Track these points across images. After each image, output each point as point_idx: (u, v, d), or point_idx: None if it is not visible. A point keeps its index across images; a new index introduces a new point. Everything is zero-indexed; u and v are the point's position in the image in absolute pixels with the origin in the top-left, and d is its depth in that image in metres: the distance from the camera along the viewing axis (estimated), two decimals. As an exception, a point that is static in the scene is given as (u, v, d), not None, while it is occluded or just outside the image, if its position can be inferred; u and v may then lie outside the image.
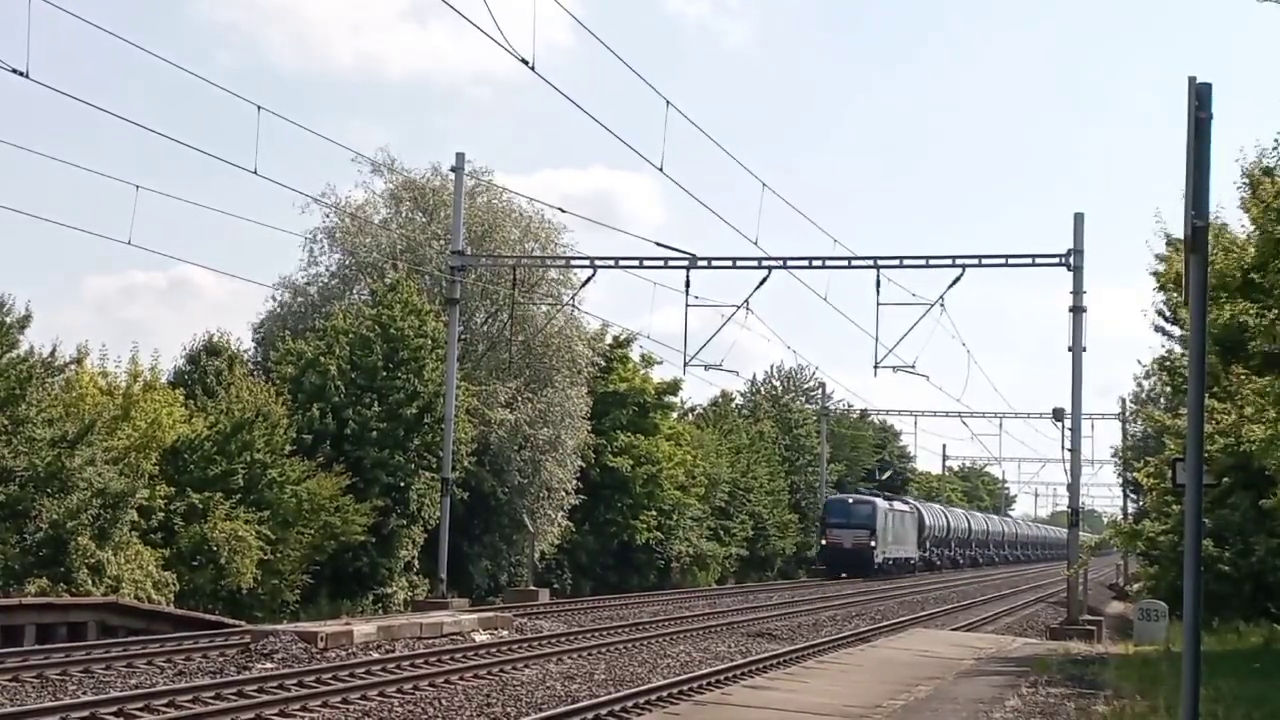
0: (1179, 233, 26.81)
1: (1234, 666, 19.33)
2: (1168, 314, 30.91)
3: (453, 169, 37.41)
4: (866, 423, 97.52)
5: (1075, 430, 34.00)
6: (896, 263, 33.17)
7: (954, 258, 32.96)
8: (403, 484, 35.88)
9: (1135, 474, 35.97)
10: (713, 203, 70.54)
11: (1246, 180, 20.69)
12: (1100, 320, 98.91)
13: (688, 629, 29.61)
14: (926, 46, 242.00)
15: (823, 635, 29.90)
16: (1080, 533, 34.94)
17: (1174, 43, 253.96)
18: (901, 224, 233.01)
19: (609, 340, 52.49)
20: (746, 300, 34.07)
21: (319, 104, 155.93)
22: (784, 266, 33.63)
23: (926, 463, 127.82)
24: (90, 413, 27.52)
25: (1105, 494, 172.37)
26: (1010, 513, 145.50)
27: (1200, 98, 9.36)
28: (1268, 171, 19.95)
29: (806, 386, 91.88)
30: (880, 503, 68.88)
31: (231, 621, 25.92)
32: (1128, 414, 58.62)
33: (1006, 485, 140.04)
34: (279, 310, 44.37)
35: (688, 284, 33.44)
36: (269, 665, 19.12)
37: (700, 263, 33.58)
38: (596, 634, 26.95)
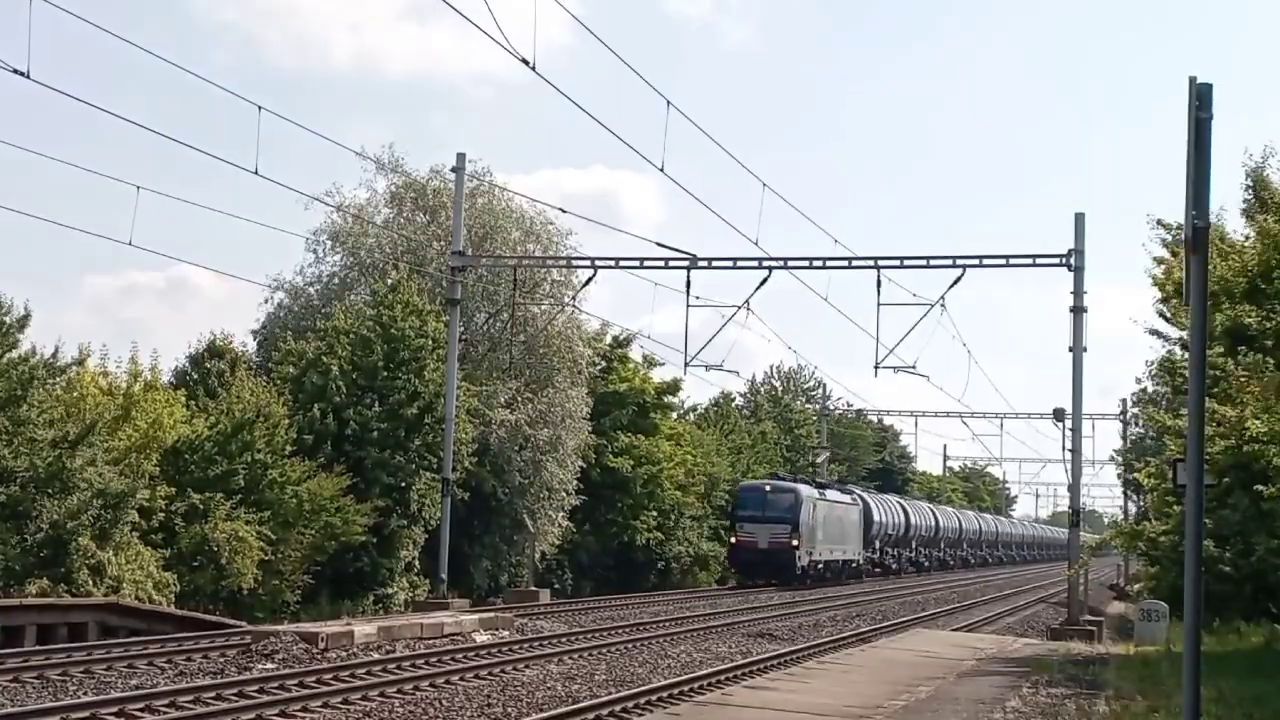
0: (1175, 236, 26.84)
1: (1235, 667, 19.33)
2: (1168, 315, 30.88)
3: (453, 169, 37.41)
4: (866, 423, 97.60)
5: (1076, 431, 33.99)
6: (897, 263, 33.16)
7: (955, 258, 32.96)
8: (403, 484, 35.88)
9: (1136, 475, 35.98)
10: (713, 203, 70.62)
11: (1251, 183, 20.70)
12: (1101, 321, 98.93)
13: (688, 629, 29.61)
14: (927, 46, 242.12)
15: (823, 635, 29.89)
16: (1081, 533, 34.95)
17: (1174, 43, 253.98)
18: (902, 224, 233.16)
19: (609, 340, 52.50)
20: (747, 300, 34.09)
21: (318, 103, 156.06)
22: (784, 267, 33.63)
23: (927, 463, 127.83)
24: (91, 413, 27.54)
25: (1106, 494, 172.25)
26: (1011, 513, 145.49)
27: (1201, 98, 9.35)
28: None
29: (806, 386, 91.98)
30: (806, 491, 55.26)
31: (232, 622, 25.92)
32: (1128, 415, 58.58)
33: (1007, 486, 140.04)
34: (279, 311, 44.38)
35: (688, 284, 33.47)
36: (270, 666, 19.12)
37: (701, 263, 33.58)
38: (597, 634, 26.95)
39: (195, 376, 35.21)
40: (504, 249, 43.15)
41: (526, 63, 21.01)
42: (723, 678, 20.36)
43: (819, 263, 33.73)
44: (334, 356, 36.58)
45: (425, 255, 43.77)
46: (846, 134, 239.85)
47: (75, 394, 28.75)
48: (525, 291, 41.75)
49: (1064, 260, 32.66)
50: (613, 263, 35.20)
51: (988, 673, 21.32)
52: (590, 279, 38.73)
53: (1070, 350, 32.91)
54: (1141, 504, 43.53)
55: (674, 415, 60.46)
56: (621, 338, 53.77)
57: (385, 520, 35.16)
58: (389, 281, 39.96)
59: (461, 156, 36.77)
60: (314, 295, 44.54)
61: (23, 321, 26.70)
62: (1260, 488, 22.01)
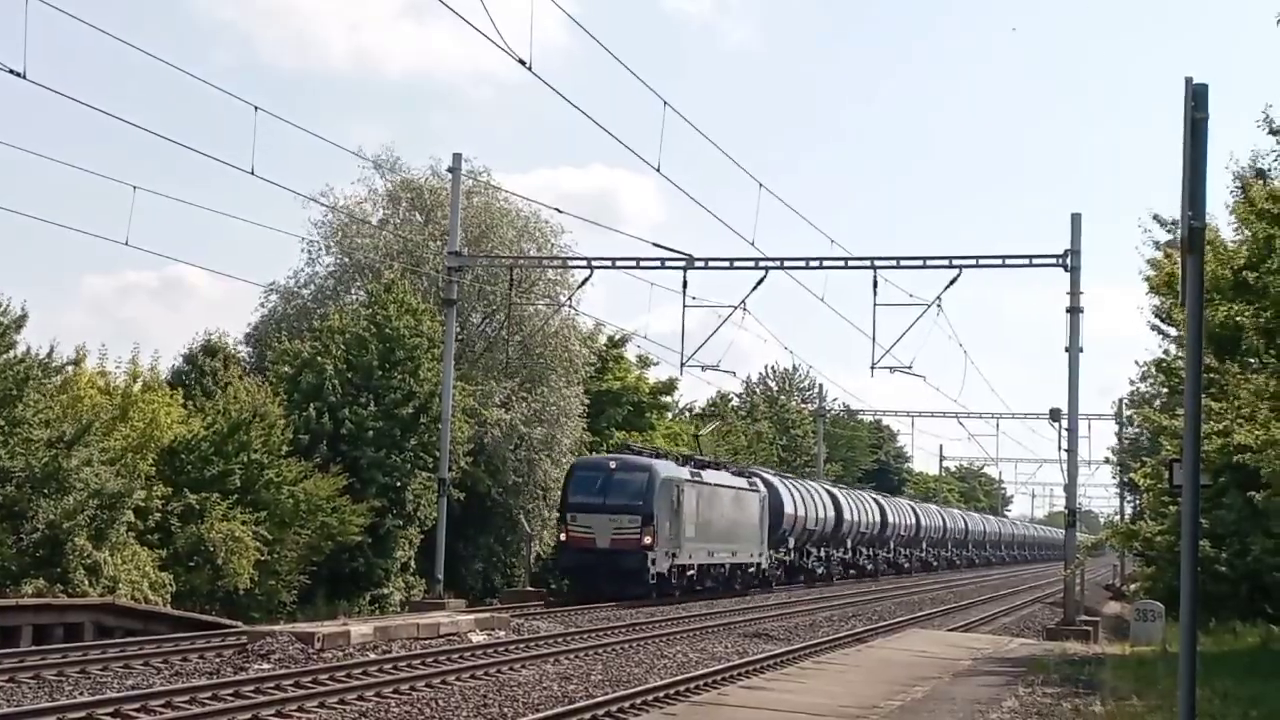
0: (1164, 239, 26.90)
1: (1231, 667, 19.35)
2: (1163, 314, 30.94)
3: (450, 169, 37.44)
4: (863, 423, 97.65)
5: (1072, 431, 34.02)
6: (894, 263, 33.19)
7: (951, 258, 32.99)
8: (399, 484, 35.90)
9: (1132, 475, 36.06)
10: (710, 203, 70.50)
11: (1239, 185, 20.74)
12: (1097, 321, 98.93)
13: (684, 630, 29.61)
14: (925, 47, 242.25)
15: (819, 636, 29.90)
16: (1077, 533, 34.99)
17: (1174, 43, 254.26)
18: (899, 224, 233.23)
19: (603, 340, 52.53)
20: (744, 300, 34.07)
21: (315, 103, 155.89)
22: (781, 267, 33.66)
23: (923, 463, 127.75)
24: (88, 413, 27.53)
25: (1102, 494, 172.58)
26: (1007, 513, 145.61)
27: (1197, 98, 9.37)
28: (1261, 174, 20.01)
29: (803, 386, 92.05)
30: (667, 470, 39.04)
31: (228, 622, 25.91)
32: (1123, 415, 58.67)
33: (1003, 486, 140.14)
34: (273, 313, 44.40)
35: (685, 284, 33.48)
36: (266, 666, 19.11)
37: (697, 263, 33.60)
38: (593, 635, 26.95)
39: (191, 376, 35.21)
40: (500, 248, 43.18)
41: (523, 63, 21.03)
42: (719, 678, 20.36)
43: (815, 263, 33.76)
44: (329, 356, 36.59)
45: (421, 255, 43.80)
46: (844, 134, 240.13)
47: (72, 394, 28.74)
48: (521, 291, 41.77)
49: (1060, 261, 32.70)
50: (609, 263, 35.22)
51: (984, 673, 21.34)
52: (586, 279, 38.82)
53: (1066, 350, 32.94)
54: (1137, 504, 43.63)
55: (669, 415, 60.50)
56: (617, 338, 53.80)
57: (381, 520, 35.18)
58: (384, 281, 39.98)
59: (458, 156, 36.82)
60: (309, 295, 44.57)
61: (19, 321, 26.70)
62: (1253, 495, 22.07)
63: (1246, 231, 20.16)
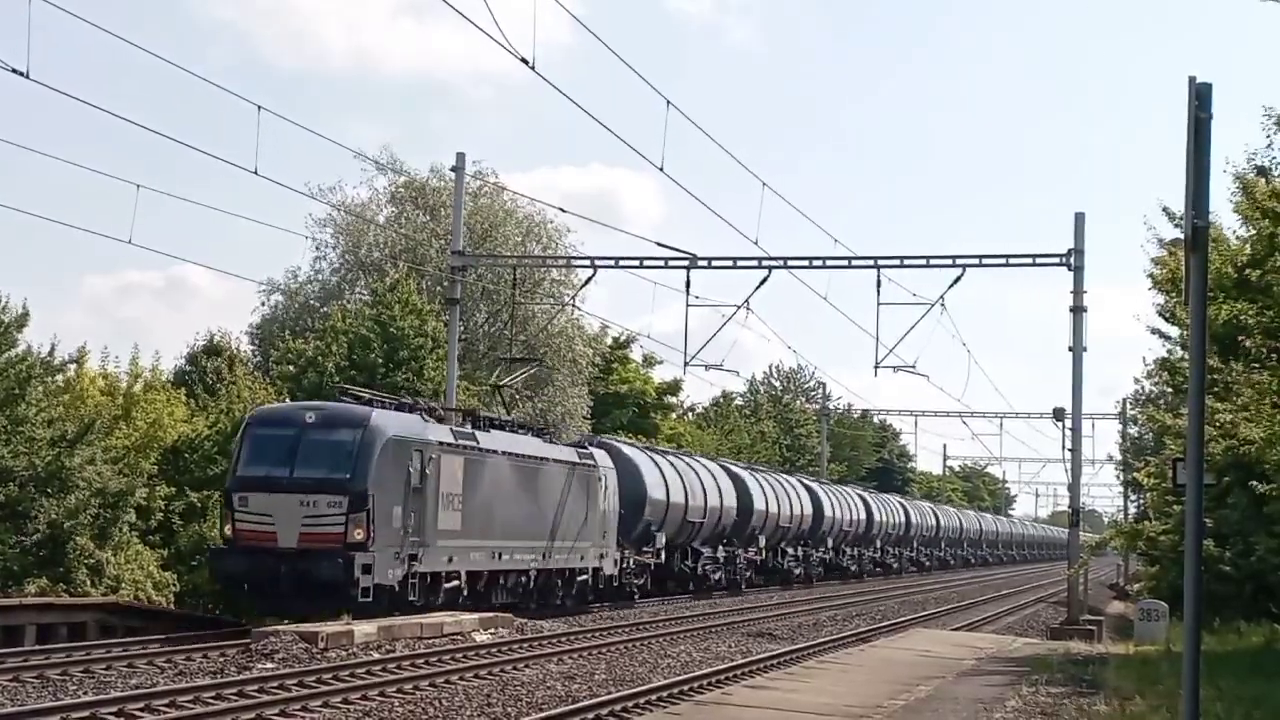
0: (1171, 235, 26.87)
1: (1235, 666, 19.33)
2: (1167, 314, 30.91)
3: (453, 169, 37.46)
4: (867, 422, 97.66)
5: (1076, 430, 34.02)
6: (897, 262, 33.18)
7: (954, 257, 32.97)
8: (403, 484, 35.82)
9: (1136, 474, 36.01)
10: (713, 202, 70.33)
11: (1240, 186, 20.71)
12: (1101, 320, 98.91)
13: (688, 629, 29.62)
14: (927, 46, 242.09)
15: (823, 635, 29.90)
16: (1081, 533, 34.97)
17: (1174, 43, 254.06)
18: (902, 224, 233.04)
19: (609, 341, 52.55)
20: (747, 300, 34.05)
21: (315, 101, 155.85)
22: (784, 266, 33.65)
23: (927, 463, 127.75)
24: (90, 413, 27.54)
25: (1106, 494, 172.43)
26: (1011, 512, 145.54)
27: (1200, 97, 9.36)
28: (1262, 171, 19.97)
29: (807, 386, 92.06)
30: (396, 424, 25.50)
31: (232, 621, 25.91)
32: (1127, 414, 58.61)
33: (1007, 485, 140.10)
34: (278, 311, 44.45)
35: (688, 284, 33.45)
36: (269, 665, 19.11)
37: (700, 263, 33.59)
38: (597, 634, 26.95)
39: (194, 375, 35.24)
40: (504, 248, 43.23)
41: (526, 62, 21.02)
42: (722, 677, 20.36)
43: (819, 262, 33.74)
44: (332, 356, 36.60)
45: (425, 254, 43.83)
46: (846, 133, 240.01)
47: (73, 393, 28.75)
48: (525, 291, 41.80)
49: (1064, 260, 32.68)
50: (612, 262, 35.21)
51: (987, 672, 21.33)
52: (590, 278, 38.80)
53: (1070, 350, 32.94)
54: (1141, 503, 43.56)
55: (674, 415, 60.50)
56: (621, 338, 53.82)
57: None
58: (388, 280, 40.00)
59: (461, 156, 36.81)
60: (313, 294, 44.63)
61: (21, 320, 26.70)
62: (1256, 484, 22.05)
63: (1250, 230, 20.15)
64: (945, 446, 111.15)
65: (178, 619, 25.25)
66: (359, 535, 23.80)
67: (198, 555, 28.49)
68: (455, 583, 27.05)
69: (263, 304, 44.80)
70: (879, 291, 32.51)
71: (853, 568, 61.54)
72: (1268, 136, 18.91)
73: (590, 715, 16.06)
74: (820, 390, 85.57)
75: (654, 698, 17.71)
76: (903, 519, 70.88)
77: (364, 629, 22.19)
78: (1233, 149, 22.00)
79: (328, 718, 15.66)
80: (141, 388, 31.04)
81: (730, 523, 44.43)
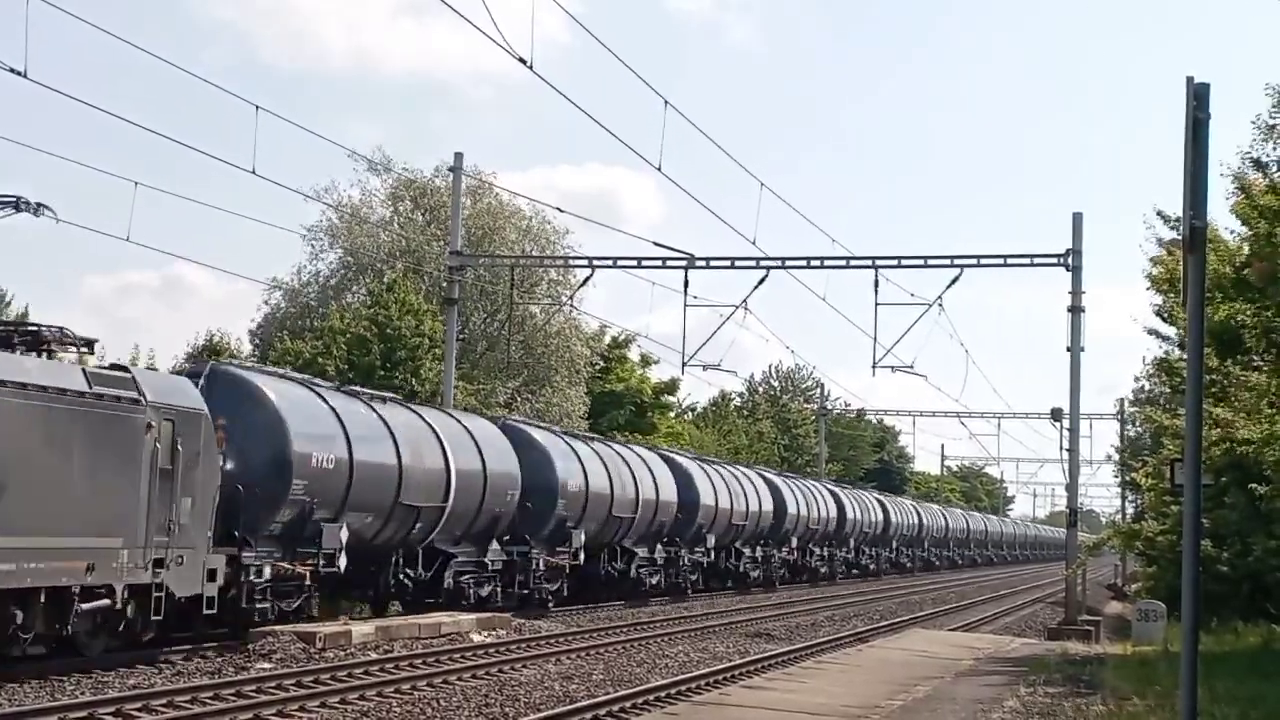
0: (1170, 235, 26.87)
1: (1232, 667, 19.34)
2: (1165, 315, 30.93)
3: (451, 169, 37.47)
4: (865, 423, 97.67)
5: (1074, 430, 34.04)
6: (895, 263, 33.21)
7: (952, 258, 33.00)
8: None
9: (1134, 474, 36.05)
10: (711, 202, 70.29)
11: (1238, 187, 20.72)
12: (1099, 320, 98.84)
13: (686, 629, 29.61)
14: (927, 46, 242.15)
15: (821, 635, 29.90)
16: (1079, 533, 35.00)
17: (1174, 43, 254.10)
18: (900, 224, 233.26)
19: (608, 340, 52.57)
20: (745, 300, 34.08)
21: (314, 101, 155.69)
22: (782, 266, 33.66)
23: (925, 463, 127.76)
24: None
25: (1103, 494, 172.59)
26: (1009, 512, 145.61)
27: (1198, 98, 9.37)
28: (1259, 164, 19.96)
29: (805, 386, 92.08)
30: None
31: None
32: (1125, 414, 58.65)
33: (1005, 485, 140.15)
34: (276, 311, 44.46)
35: (686, 284, 33.47)
36: (267, 665, 19.10)
37: (699, 263, 33.60)
38: (595, 634, 26.95)
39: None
40: (502, 248, 43.24)
41: (524, 62, 21.01)
42: (720, 678, 20.36)
43: (817, 262, 33.76)
44: (330, 356, 36.60)
45: (423, 254, 43.83)
46: (845, 133, 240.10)
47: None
48: (523, 291, 41.82)
49: (1062, 260, 32.71)
50: (610, 262, 35.21)
51: (985, 673, 21.34)
52: (588, 278, 38.80)
53: (1068, 350, 32.97)
54: (1139, 504, 43.59)
55: (672, 415, 60.50)
56: (620, 338, 53.83)
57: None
58: (386, 281, 40.02)
59: (459, 156, 36.83)
60: (311, 295, 44.63)
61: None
62: (1255, 486, 22.07)
63: (1246, 230, 20.16)
64: (943, 447, 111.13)
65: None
66: None
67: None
68: None
69: (265, 302, 44.87)
70: (877, 292, 32.57)
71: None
72: (1260, 140, 18.91)
73: (588, 716, 16.05)
74: (818, 390, 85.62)
75: (652, 698, 17.72)
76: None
77: (362, 629, 22.21)
78: (1232, 150, 21.99)
79: (325, 718, 15.66)
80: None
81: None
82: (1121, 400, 59.76)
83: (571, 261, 43.48)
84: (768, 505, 47.43)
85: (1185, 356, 11.12)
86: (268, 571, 21.61)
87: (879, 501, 66.65)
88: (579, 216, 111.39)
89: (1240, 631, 26.10)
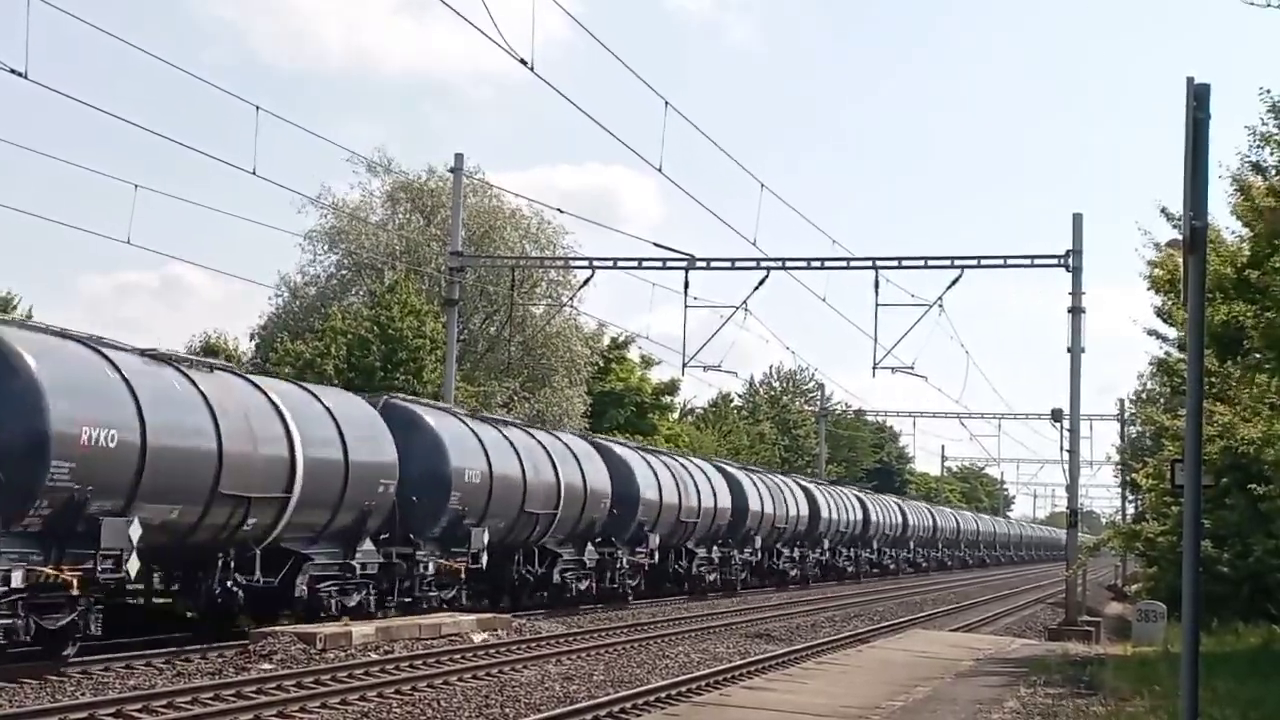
0: (1169, 236, 26.86)
1: (1232, 668, 19.34)
2: (1165, 316, 30.93)
3: (451, 170, 37.47)
4: (865, 424, 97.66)
5: (1074, 431, 34.04)
6: (895, 263, 33.23)
7: (953, 258, 33.01)
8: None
9: (1134, 475, 36.06)
10: (711, 202, 70.41)
11: (1237, 188, 20.73)
12: (1099, 321, 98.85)
13: (686, 630, 29.61)
14: (927, 46, 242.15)
15: (821, 636, 29.89)
16: (1079, 534, 34.99)
17: (1174, 43, 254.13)
18: (900, 225, 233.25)
19: (607, 341, 52.57)
20: (745, 301, 34.09)
21: (312, 101, 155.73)
22: (783, 267, 33.68)
23: (925, 464, 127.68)
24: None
25: (1104, 495, 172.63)
26: (1009, 513, 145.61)
27: (1198, 98, 9.37)
28: (1257, 167, 19.97)
29: (805, 387, 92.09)
30: None
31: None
32: (1127, 414, 58.67)
33: (1005, 486, 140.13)
34: (277, 311, 44.47)
35: (686, 284, 33.49)
36: (268, 666, 19.10)
37: (699, 263, 33.62)
38: (595, 635, 26.94)
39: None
40: (502, 249, 43.24)
41: (525, 63, 21.02)
42: (721, 678, 20.36)
43: (817, 263, 33.79)
44: (331, 357, 36.60)
45: (423, 255, 43.84)
46: (845, 134, 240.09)
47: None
48: (523, 292, 41.83)
49: (1062, 261, 32.72)
50: (610, 263, 35.22)
51: (986, 673, 21.33)
52: (588, 279, 38.83)
53: (1068, 351, 32.97)
54: (1139, 504, 43.61)
55: (672, 416, 60.48)
56: (620, 339, 53.82)
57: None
58: (386, 282, 40.03)
59: (459, 156, 36.83)
60: (311, 295, 44.64)
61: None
62: (1254, 487, 22.07)
63: (1248, 231, 20.15)
64: (944, 447, 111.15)
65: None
66: None
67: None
68: None
69: (273, 297, 44.89)
70: (877, 292, 32.61)
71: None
72: (1257, 145, 18.92)
73: (588, 716, 16.06)
74: (819, 391, 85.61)
75: (652, 699, 17.72)
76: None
77: (362, 630, 22.21)
78: (1232, 151, 21.99)
79: (326, 718, 15.66)
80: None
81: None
82: (1122, 400, 59.82)
83: (571, 262, 43.52)
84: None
85: (1185, 357, 11.12)
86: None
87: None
88: (578, 217, 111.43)
89: (1241, 632, 26.09)
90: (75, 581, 17.53)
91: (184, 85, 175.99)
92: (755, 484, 47.05)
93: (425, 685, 18.16)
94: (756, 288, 33.86)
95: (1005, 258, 33.50)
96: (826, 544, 55.61)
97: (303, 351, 37.29)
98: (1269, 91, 17.84)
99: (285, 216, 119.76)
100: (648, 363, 59.25)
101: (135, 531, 18.36)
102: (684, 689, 18.83)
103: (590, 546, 33.79)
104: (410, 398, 29.90)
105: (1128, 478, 48.13)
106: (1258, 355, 19.76)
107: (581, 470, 32.76)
